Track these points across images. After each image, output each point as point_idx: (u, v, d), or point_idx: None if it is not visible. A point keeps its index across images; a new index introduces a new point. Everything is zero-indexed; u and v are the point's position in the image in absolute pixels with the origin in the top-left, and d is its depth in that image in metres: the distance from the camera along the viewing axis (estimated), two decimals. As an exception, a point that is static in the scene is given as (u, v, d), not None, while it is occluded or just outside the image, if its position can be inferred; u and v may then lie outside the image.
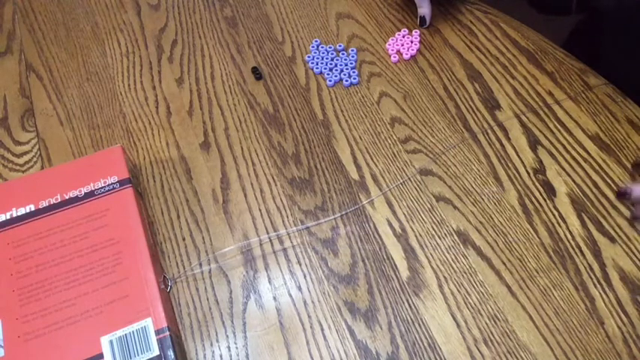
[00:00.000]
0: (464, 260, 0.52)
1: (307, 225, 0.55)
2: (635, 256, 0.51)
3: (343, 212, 0.56)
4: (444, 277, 0.52)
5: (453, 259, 0.52)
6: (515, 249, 0.53)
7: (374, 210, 0.56)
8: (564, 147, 0.58)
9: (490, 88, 0.63)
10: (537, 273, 0.51)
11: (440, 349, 0.48)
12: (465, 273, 0.52)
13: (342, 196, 0.57)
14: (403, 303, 0.51)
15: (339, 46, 0.68)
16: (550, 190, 0.56)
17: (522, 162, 0.58)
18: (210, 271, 0.54)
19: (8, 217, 0.52)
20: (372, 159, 0.59)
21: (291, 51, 0.69)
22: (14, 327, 0.46)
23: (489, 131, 0.60)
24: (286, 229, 0.55)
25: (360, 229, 0.55)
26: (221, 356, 0.49)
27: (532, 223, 0.54)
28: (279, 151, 0.61)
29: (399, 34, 0.68)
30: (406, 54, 0.66)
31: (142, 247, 0.50)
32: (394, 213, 0.56)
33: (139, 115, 0.64)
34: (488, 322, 0.49)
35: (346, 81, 0.65)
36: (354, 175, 0.58)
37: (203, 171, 0.60)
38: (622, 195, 0.43)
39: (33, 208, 0.52)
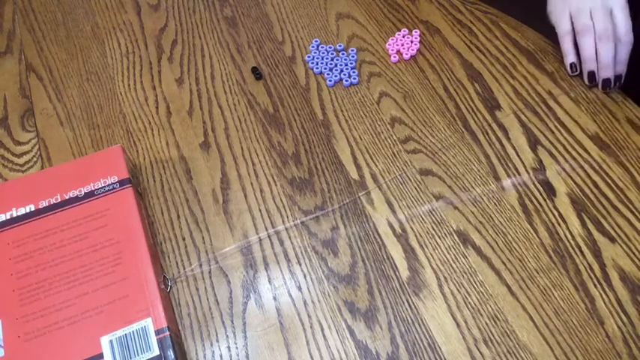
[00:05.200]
0: (464, 260, 0.52)
1: (304, 220, 0.55)
2: (635, 256, 0.51)
3: (342, 203, 0.56)
4: (444, 277, 0.52)
5: (453, 259, 0.52)
6: (515, 249, 0.53)
7: (374, 210, 0.56)
8: (564, 147, 0.58)
9: (490, 88, 0.63)
10: (537, 273, 0.51)
11: (440, 349, 0.48)
12: (465, 273, 0.52)
13: (342, 196, 0.57)
14: (403, 303, 0.51)
15: (339, 46, 0.68)
16: (550, 190, 0.56)
17: (522, 162, 0.58)
18: (210, 271, 0.54)
19: (8, 217, 0.52)
20: (372, 159, 0.59)
21: (291, 51, 0.69)
22: (14, 327, 0.46)
23: (489, 131, 0.60)
24: (284, 225, 0.55)
25: (360, 229, 0.55)
26: (221, 356, 0.49)
27: (532, 223, 0.54)
28: (279, 151, 0.61)
29: (399, 34, 0.68)
30: (406, 54, 0.66)
31: (142, 247, 0.50)
32: (394, 213, 0.56)
33: (138, 115, 0.64)
34: (488, 322, 0.49)
35: (346, 81, 0.65)
36: (354, 175, 0.58)
37: (203, 171, 0.60)
38: None
39: (33, 208, 0.52)
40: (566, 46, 0.62)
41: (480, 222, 0.54)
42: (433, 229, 0.54)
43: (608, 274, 0.51)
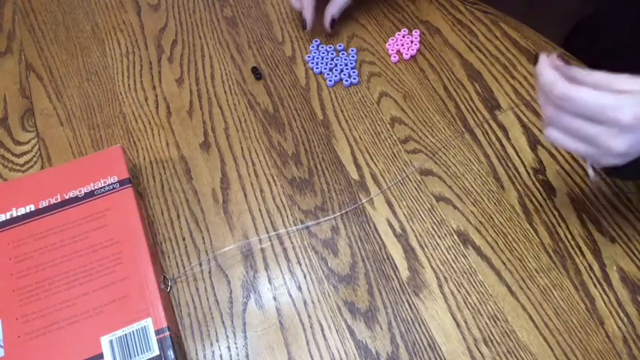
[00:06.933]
0: (464, 260, 0.52)
1: (307, 224, 0.55)
2: (635, 256, 0.51)
3: (342, 211, 0.56)
4: (444, 277, 0.52)
5: (453, 259, 0.52)
6: (515, 249, 0.53)
7: (374, 210, 0.56)
8: (564, 147, 0.58)
9: (490, 88, 0.63)
10: (537, 273, 0.51)
11: (440, 349, 0.48)
12: (465, 273, 0.52)
13: (342, 196, 0.57)
14: (403, 303, 0.51)
15: (339, 46, 0.68)
16: (550, 190, 0.56)
17: (522, 162, 0.58)
18: (210, 271, 0.54)
19: (8, 217, 0.52)
20: (372, 159, 0.59)
21: (291, 51, 0.69)
22: (14, 327, 0.46)
23: (489, 131, 0.60)
24: (286, 229, 0.55)
25: (360, 229, 0.55)
26: (221, 356, 0.49)
27: (532, 223, 0.54)
28: (279, 151, 0.61)
29: (399, 34, 0.68)
30: (406, 54, 0.66)
31: (142, 247, 0.50)
32: (394, 213, 0.56)
33: (139, 115, 0.64)
34: (488, 322, 0.49)
35: (346, 81, 0.65)
36: (354, 175, 0.58)
37: (203, 171, 0.60)
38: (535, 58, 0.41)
39: (33, 208, 0.52)
40: None
41: (480, 222, 0.54)
42: (433, 229, 0.54)
43: (608, 274, 0.51)
